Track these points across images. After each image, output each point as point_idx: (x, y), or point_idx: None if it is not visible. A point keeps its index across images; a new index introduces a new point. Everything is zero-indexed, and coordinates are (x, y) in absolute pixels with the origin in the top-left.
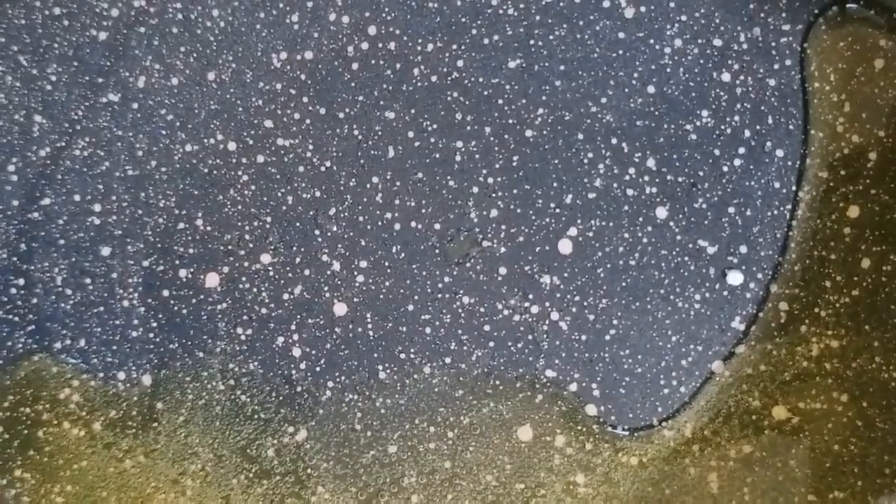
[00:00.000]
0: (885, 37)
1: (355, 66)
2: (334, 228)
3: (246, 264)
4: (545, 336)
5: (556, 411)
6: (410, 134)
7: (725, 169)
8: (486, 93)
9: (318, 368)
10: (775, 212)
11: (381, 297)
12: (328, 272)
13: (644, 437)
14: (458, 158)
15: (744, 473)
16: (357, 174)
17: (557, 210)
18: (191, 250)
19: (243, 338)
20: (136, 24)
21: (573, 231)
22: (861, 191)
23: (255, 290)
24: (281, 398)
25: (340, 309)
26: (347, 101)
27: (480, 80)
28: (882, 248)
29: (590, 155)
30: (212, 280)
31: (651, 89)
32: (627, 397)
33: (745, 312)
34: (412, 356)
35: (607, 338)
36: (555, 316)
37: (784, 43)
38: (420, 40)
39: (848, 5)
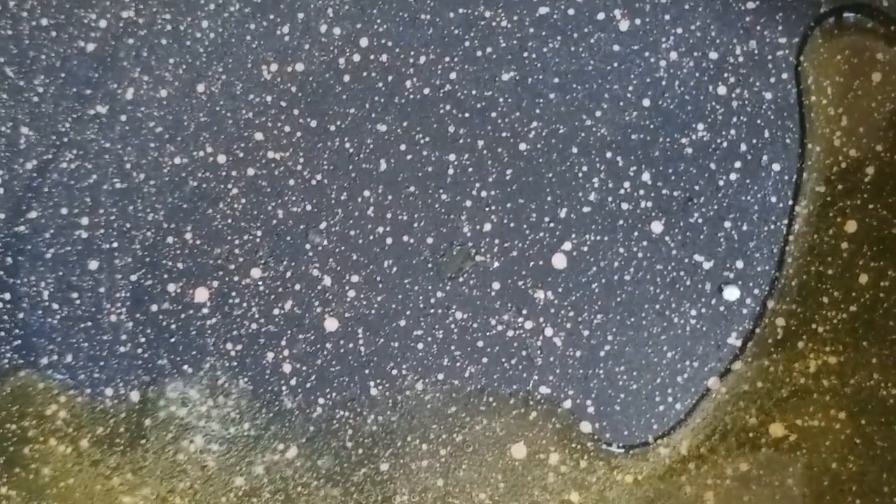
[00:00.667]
0: (882, 50)
1: (347, 78)
2: (325, 243)
3: (236, 279)
4: (539, 352)
5: (551, 428)
6: (402, 147)
7: (721, 183)
8: (479, 105)
9: (308, 385)
10: (772, 226)
11: (373, 312)
12: (319, 287)
13: (639, 455)
14: (450, 172)
15: (740, 492)
16: (348, 188)
17: (552, 224)
18: (179, 265)
19: (233, 353)
20: (124, 36)
21: (567, 246)
22: (859, 205)
23: (244, 305)
24: (271, 415)
25: (331, 324)
26: (339, 114)
27: (473, 92)
28: (880, 263)
29: (584, 169)
30: (201, 295)
31: (646, 102)
32: (622, 414)
33: (742, 328)
34: (404, 372)
35: (602, 354)
36: (549, 331)
37: (780, 56)
38: (412, 52)
39: (845, 14)
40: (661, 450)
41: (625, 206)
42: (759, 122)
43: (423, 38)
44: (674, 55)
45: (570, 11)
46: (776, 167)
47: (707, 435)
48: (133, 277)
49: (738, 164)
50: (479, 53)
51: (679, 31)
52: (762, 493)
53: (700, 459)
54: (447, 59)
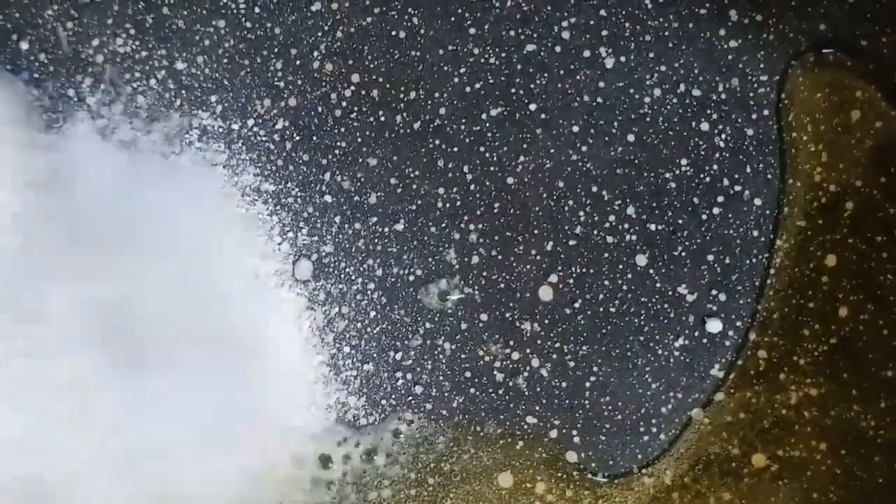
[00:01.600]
0: (861, 88)
1: (338, 112)
2: (315, 275)
3: None
4: (525, 382)
5: (537, 458)
6: (393, 180)
7: (704, 217)
8: (467, 140)
9: None
10: (754, 260)
11: (362, 343)
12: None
13: (624, 485)
14: (439, 205)
15: None
16: (339, 220)
17: (538, 257)
18: None
19: None
20: (120, 71)
21: (554, 278)
22: (838, 240)
23: None
24: None
25: (322, 355)
26: (330, 148)
27: (462, 127)
28: (860, 296)
29: (570, 202)
30: None
31: (631, 138)
32: (607, 444)
33: (725, 360)
34: (392, 402)
35: (587, 385)
36: (535, 362)
37: (762, 93)
38: (403, 88)
39: (824, 51)
40: (646, 479)
41: (610, 239)
42: (741, 157)
43: (414, 74)
44: (658, 92)
45: (557, 49)
46: (758, 202)
47: (690, 465)
48: None
49: (720, 199)
50: (467, 89)
51: (663, 68)
52: None
53: (684, 489)
54: (437, 94)
